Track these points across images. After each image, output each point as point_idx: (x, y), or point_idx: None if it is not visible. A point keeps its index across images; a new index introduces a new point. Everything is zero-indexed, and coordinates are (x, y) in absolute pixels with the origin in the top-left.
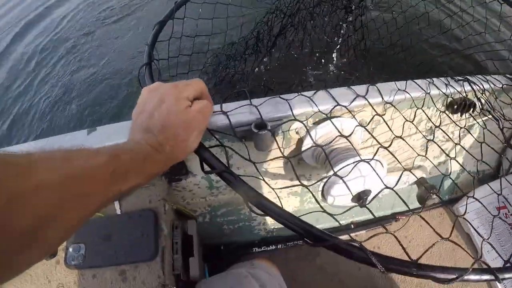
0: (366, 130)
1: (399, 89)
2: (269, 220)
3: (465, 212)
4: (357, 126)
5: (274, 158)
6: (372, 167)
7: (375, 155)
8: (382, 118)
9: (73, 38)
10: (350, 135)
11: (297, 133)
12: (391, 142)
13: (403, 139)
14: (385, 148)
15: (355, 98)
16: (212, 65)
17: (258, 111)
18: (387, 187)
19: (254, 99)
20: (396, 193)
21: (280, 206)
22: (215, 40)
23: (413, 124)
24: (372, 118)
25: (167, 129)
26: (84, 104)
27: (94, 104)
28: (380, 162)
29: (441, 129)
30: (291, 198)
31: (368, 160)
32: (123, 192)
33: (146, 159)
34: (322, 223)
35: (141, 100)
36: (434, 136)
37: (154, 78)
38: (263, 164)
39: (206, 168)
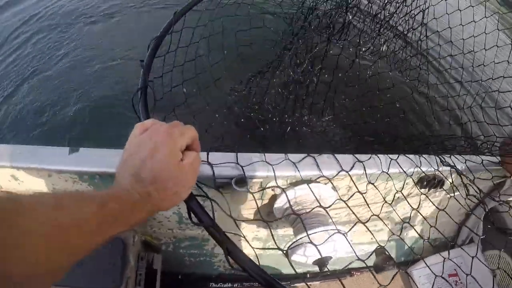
0: (344, 202)
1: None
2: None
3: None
4: (331, 194)
5: (251, 220)
6: (346, 238)
7: (351, 229)
8: (357, 188)
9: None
10: (329, 207)
11: (273, 190)
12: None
13: (369, 207)
14: (362, 223)
15: (339, 172)
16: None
17: (242, 168)
18: (359, 259)
19: (241, 153)
20: (358, 257)
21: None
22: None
23: (381, 193)
24: (356, 188)
25: (158, 181)
26: (71, 117)
27: (80, 119)
28: (345, 233)
29: (407, 200)
30: (255, 243)
31: (342, 233)
32: (108, 238)
33: (134, 209)
34: (282, 267)
35: (134, 140)
36: (397, 204)
37: (151, 100)
38: (237, 217)
39: (194, 217)
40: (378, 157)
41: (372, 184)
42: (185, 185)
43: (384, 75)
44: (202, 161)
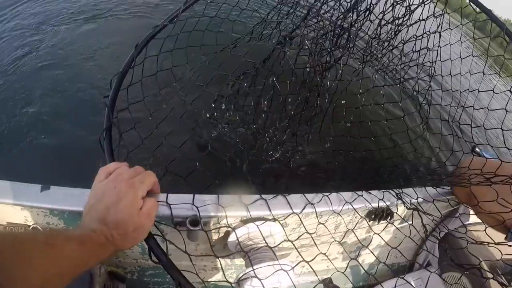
0: (292, 243)
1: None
2: None
3: None
4: (280, 231)
5: (205, 255)
6: (288, 274)
7: (296, 265)
8: (305, 228)
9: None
10: (275, 247)
11: (226, 227)
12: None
13: (316, 245)
14: (307, 262)
15: (289, 214)
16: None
17: (197, 208)
18: None
19: (198, 195)
20: None
21: None
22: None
23: (328, 229)
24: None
25: (121, 226)
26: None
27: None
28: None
29: (355, 234)
30: (209, 276)
31: (285, 270)
32: (84, 270)
33: (102, 248)
34: None
35: (99, 186)
36: (351, 234)
37: (119, 133)
38: (193, 251)
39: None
40: (328, 197)
41: (322, 224)
42: (143, 230)
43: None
44: (162, 202)
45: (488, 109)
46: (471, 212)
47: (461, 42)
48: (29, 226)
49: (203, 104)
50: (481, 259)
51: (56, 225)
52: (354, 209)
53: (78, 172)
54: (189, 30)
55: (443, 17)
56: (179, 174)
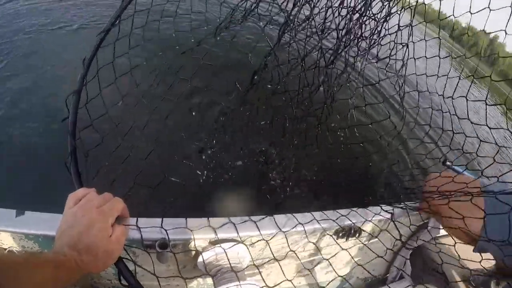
0: (256, 267)
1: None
2: None
3: None
4: (246, 254)
5: (173, 276)
6: None
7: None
8: (270, 249)
9: None
10: (243, 269)
11: (195, 248)
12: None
13: (281, 268)
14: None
15: (259, 239)
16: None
17: (166, 232)
18: None
19: (167, 218)
20: None
21: None
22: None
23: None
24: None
25: (91, 252)
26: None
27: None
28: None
29: (321, 254)
30: None
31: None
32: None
33: (73, 272)
34: None
35: (69, 212)
36: (322, 250)
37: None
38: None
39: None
40: (295, 216)
41: (290, 248)
42: (113, 255)
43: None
44: (133, 226)
45: (459, 118)
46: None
47: (426, 40)
48: (5, 249)
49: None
50: (452, 270)
51: (31, 248)
52: (323, 228)
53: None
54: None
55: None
56: (148, 185)
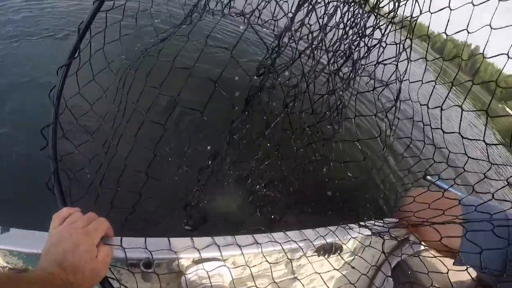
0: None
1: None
2: None
3: None
4: (227, 273)
5: None
6: None
7: None
8: (250, 270)
9: None
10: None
11: (178, 267)
12: None
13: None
14: None
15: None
16: None
17: (150, 252)
18: None
19: (151, 238)
20: None
21: None
22: None
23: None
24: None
25: (77, 271)
26: None
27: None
28: None
29: (302, 273)
30: None
31: None
32: None
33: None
34: None
35: (54, 232)
36: (301, 270)
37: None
38: None
39: None
40: (273, 236)
41: (271, 267)
42: (99, 274)
43: None
44: (117, 246)
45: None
46: None
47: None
48: None
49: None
50: (435, 284)
51: (15, 264)
52: (303, 246)
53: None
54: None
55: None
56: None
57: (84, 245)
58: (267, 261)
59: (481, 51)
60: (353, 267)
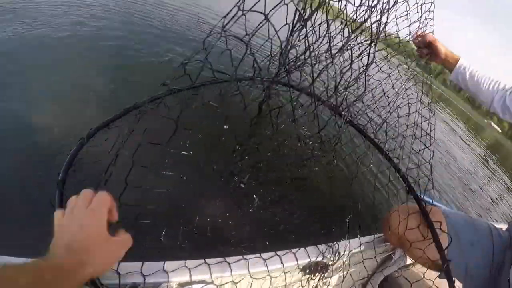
0: None
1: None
2: None
3: None
4: None
5: None
6: None
7: None
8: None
9: None
10: None
11: None
12: None
13: None
14: None
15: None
16: None
17: (144, 277)
18: None
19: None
20: None
21: None
22: None
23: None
24: None
25: (89, 249)
26: None
27: None
28: None
29: None
30: None
31: None
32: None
33: (67, 276)
34: None
35: (59, 225)
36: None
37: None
38: None
39: None
40: (262, 256)
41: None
42: (114, 254)
43: None
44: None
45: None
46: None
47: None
48: None
49: None
50: None
51: None
52: (289, 266)
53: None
54: None
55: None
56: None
57: (92, 223)
58: (252, 281)
59: None
60: (340, 285)
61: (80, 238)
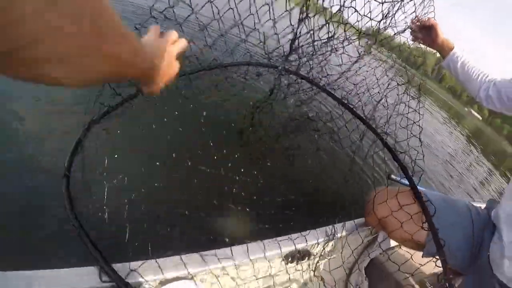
0: None
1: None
2: None
3: None
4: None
5: None
6: None
7: None
8: (218, 281)
9: None
10: None
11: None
12: None
13: None
14: None
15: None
16: None
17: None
18: None
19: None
20: None
21: None
22: None
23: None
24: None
25: (156, 57)
26: None
27: None
28: None
29: (274, 281)
30: None
31: None
32: (127, 74)
33: (142, 62)
34: None
35: (149, 40)
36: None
37: None
38: None
39: None
40: (247, 246)
41: (242, 279)
42: (174, 67)
43: None
44: None
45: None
46: None
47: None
48: None
49: None
50: (408, 277)
51: None
52: (273, 255)
53: None
54: None
55: None
56: None
57: (168, 49)
58: (237, 273)
59: None
60: (326, 271)
61: (154, 48)
